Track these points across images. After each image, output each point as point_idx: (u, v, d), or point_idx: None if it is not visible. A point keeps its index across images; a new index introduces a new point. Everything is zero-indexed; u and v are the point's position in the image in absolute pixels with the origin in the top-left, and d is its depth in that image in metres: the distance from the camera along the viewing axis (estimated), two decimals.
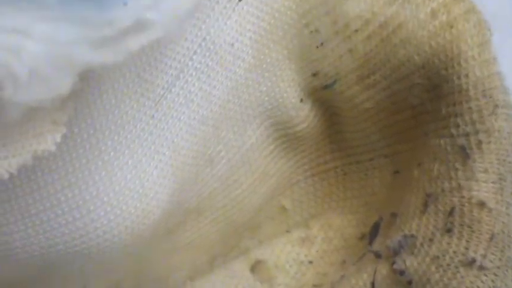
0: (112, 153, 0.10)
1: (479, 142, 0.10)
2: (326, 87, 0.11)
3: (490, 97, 0.10)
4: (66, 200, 0.11)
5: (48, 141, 0.09)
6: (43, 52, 0.08)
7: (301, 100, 0.11)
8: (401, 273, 0.10)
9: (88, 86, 0.09)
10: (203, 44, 0.10)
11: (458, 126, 0.10)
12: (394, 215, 0.10)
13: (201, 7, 0.09)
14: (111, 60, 0.08)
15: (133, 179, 0.11)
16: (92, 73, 0.09)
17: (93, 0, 0.08)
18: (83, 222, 0.12)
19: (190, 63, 0.10)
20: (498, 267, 0.09)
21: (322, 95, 0.11)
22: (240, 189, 0.10)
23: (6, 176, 0.09)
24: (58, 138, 0.09)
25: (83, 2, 0.08)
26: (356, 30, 0.10)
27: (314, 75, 0.11)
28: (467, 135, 0.10)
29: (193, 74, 0.10)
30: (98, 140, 0.10)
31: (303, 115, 0.11)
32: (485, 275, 0.09)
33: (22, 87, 0.08)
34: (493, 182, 0.09)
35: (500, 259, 0.09)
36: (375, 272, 0.10)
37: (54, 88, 0.08)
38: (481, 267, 0.09)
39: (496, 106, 0.10)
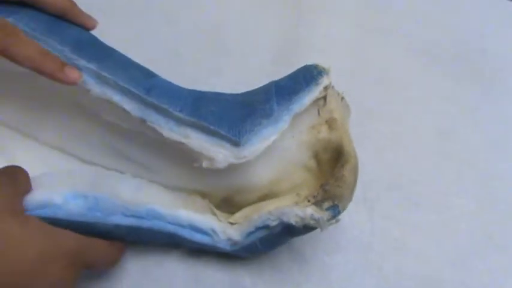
0: None
1: (343, 164, 0.37)
2: (316, 154, 0.39)
3: (352, 157, 0.37)
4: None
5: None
6: (223, 157, 0.34)
7: (311, 156, 0.39)
8: (323, 187, 0.36)
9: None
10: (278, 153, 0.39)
11: (342, 162, 0.37)
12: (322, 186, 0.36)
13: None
14: (242, 161, 0.35)
15: None
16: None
17: (237, 150, 0.34)
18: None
19: None
20: (347, 184, 0.35)
21: (319, 155, 0.38)
22: None
23: None
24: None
25: (236, 149, 0.34)
26: (322, 146, 0.39)
27: (313, 152, 0.39)
28: (343, 165, 0.37)
29: None
30: None
31: (309, 164, 0.39)
32: (340, 186, 0.35)
33: (218, 163, 0.35)
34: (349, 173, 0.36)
35: (347, 184, 0.35)
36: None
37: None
38: (340, 184, 0.35)
39: (350, 154, 0.37)
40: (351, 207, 0.44)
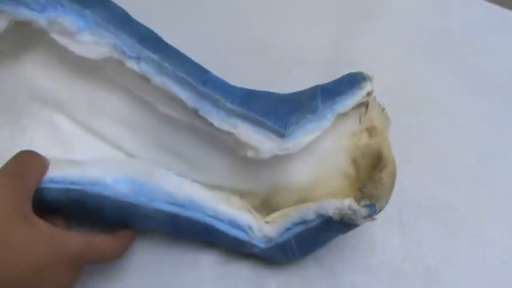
0: None
1: (382, 169, 0.38)
2: (354, 161, 0.40)
3: (391, 162, 0.39)
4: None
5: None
6: (268, 147, 0.36)
7: (350, 162, 0.40)
8: (361, 188, 0.36)
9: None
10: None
11: (381, 167, 0.38)
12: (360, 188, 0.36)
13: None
14: (285, 153, 0.37)
15: None
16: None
17: (281, 141, 0.37)
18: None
19: None
20: (384, 186, 0.36)
21: (358, 161, 0.40)
22: None
23: None
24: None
25: (280, 140, 0.36)
26: (361, 152, 0.41)
27: (352, 158, 0.40)
28: (381, 169, 0.38)
29: None
30: None
31: (347, 170, 0.40)
32: (378, 188, 0.36)
33: (263, 153, 0.37)
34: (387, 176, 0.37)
35: (384, 186, 0.36)
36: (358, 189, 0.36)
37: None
38: (377, 186, 0.36)
39: (388, 160, 0.38)
40: (385, 228, 0.45)
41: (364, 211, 0.35)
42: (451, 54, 0.60)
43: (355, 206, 0.35)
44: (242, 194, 0.42)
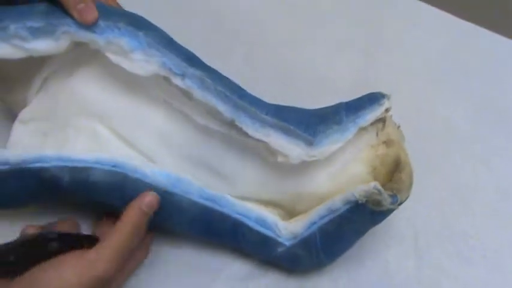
0: None
1: (401, 171, 0.41)
2: (374, 169, 0.43)
3: (408, 165, 0.42)
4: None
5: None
6: (297, 154, 0.41)
7: (370, 171, 0.43)
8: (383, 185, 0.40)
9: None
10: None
11: (400, 169, 0.41)
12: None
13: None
14: (312, 159, 0.41)
15: None
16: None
17: (309, 149, 0.41)
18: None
19: None
20: (404, 184, 0.39)
21: (377, 169, 0.43)
22: None
23: None
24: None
25: (309, 148, 0.40)
26: (380, 160, 0.44)
27: (372, 167, 0.44)
28: (401, 170, 0.41)
29: None
30: None
31: (367, 179, 0.43)
32: (398, 185, 0.39)
33: (292, 159, 0.41)
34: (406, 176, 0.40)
35: (404, 184, 0.39)
36: None
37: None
38: (398, 183, 0.40)
39: (406, 163, 0.42)
40: (400, 253, 0.47)
41: (387, 198, 0.38)
42: (471, 87, 0.61)
43: (380, 187, 0.38)
44: (268, 205, 0.45)
